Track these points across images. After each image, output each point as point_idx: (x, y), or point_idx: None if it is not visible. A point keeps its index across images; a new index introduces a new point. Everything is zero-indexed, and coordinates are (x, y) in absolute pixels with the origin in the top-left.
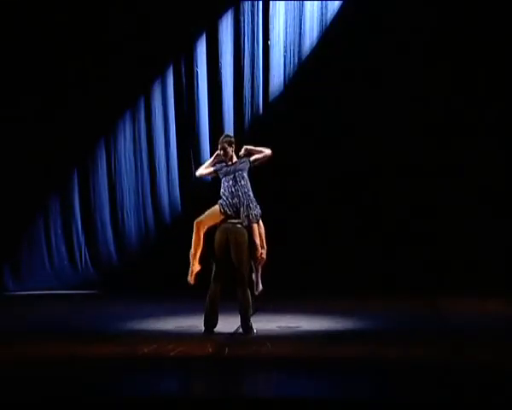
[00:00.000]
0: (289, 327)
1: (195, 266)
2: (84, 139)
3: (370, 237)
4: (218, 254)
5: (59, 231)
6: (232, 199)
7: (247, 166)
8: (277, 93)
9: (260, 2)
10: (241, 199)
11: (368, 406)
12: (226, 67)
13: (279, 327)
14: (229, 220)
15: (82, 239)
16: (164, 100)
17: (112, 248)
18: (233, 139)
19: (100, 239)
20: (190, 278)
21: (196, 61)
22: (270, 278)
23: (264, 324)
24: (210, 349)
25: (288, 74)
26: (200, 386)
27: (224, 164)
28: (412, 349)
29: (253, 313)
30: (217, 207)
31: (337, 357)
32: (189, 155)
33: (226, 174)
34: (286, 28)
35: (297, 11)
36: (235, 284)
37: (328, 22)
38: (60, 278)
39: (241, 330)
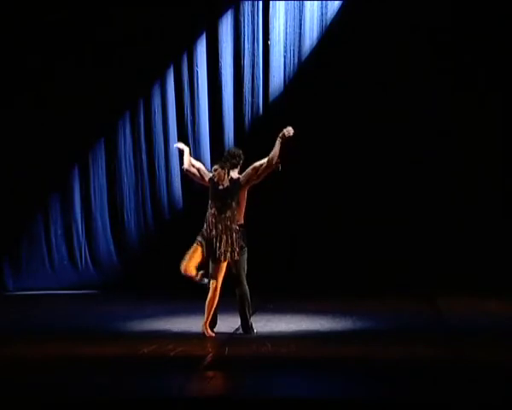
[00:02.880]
0: (289, 327)
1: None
2: (84, 139)
3: (370, 236)
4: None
5: (59, 231)
6: (210, 232)
7: (237, 190)
8: (277, 93)
9: (260, 3)
10: (220, 233)
11: (368, 406)
12: (226, 68)
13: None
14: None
15: (82, 239)
16: (164, 100)
17: (112, 247)
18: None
19: (100, 239)
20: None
21: (196, 61)
22: (271, 278)
23: (263, 324)
24: (210, 349)
25: (288, 74)
26: (200, 386)
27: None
28: (412, 349)
29: (253, 313)
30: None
31: (337, 357)
32: (189, 154)
33: (213, 198)
34: (286, 28)
35: (297, 11)
36: (233, 284)
37: (329, 22)
38: (60, 277)
39: (241, 330)
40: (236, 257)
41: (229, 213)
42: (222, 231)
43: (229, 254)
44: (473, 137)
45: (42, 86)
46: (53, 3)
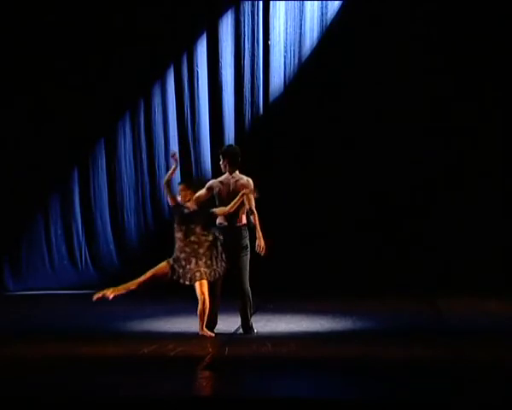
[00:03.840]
0: (289, 327)
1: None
2: (84, 139)
3: (371, 237)
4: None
5: (59, 231)
6: (180, 254)
7: (205, 216)
8: (278, 93)
9: (260, 3)
10: (188, 256)
11: (368, 406)
12: (226, 68)
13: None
14: (227, 224)
15: (82, 239)
16: (164, 100)
17: (112, 247)
18: (196, 182)
19: (100, 239)
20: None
21: (196, 61)
22: (271, 278)
23: (264, 324)
24: (210, 349)
25: (289, 74)
26: (200, 386)
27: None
28: (412, 349)
29: (253, 313)
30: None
31: (337, 357)
32: (190, 155)
33: (178, 222)
34: (286, 28)
35: (297, 11)
36: (234, 284)
37: (329, 22)
38: (60, 277)
39: (241, 330)
40: (216, 276)
41: (193, 238)
42: (190, 253)
43: (206, 274)
44: (473, 136)
45: (42, 86)
46: (53, 3)
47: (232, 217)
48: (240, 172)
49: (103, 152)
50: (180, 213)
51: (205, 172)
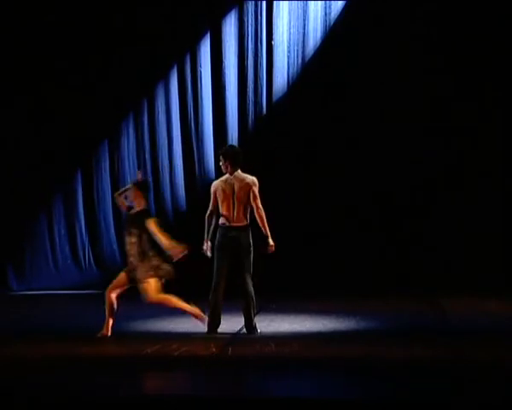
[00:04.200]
0: (293, 327)
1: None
2: (87, 139)
3: (373, 237)
4: (222, 256)
5: (63, 232)
6: (128, 257)
7: (141, 222)
8: (281, 93)
9: (264, 3)
10: (131, 257)
11: (370, 406)
12: (230, 68)
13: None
14: (231, 224)
15: (86, 239)
16: (167, 100)
17: (115, 247)
18: (140, 183)
19: (103, 239)
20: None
21: (200, 61)
22: (274, 278)
23: (267, 324)
24: (214, 349)
25: (292, 74)
26: (204, 386)
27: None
28: (414, 349)
29: (257, 313)
30: None
31: (340, 357)
32: (193, 155)
33: (123, 224)
34: (289, 28)
35: (301, 11)
36: (238, 284)
37: (332, 22)
38: (63, 277)
39: (244, 330)
40: (152, 275)
41: (134, 239)
42: (133, 255)
43: (143, 275)
44: (473, 136)
45: (45, 87)
46: (53, 3)
47: (235, 217)
48: (242, 172)
49: (107, 152)
50: (125, 214)
51: (208, 172)
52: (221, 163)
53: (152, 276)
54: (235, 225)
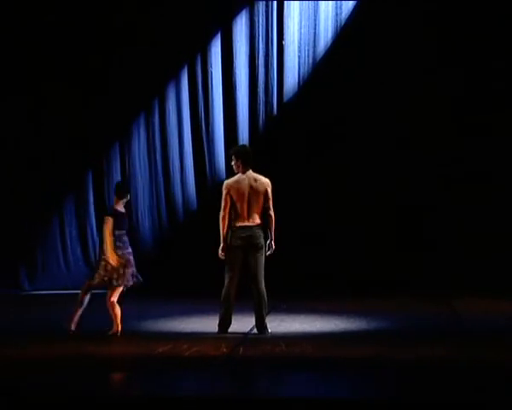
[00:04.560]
0: (303, 327)
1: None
2: (98, 140)
3: (385, 237)
4: (235, 256)
5: (74, 233)
6: None
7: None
8: (292, 93)
9: (275, 3)
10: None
11: (383, 406)
12: (240, 68)
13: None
14: (245, 224)
15: (97, 240)
16: (178, 101)
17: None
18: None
19: None
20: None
21: (211, 61)
22: (284, 277)
23: (277, 324)
24: (224, 349)
25: (303, 75)
26: (215, 386)
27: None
28: (427, 350)
29: (268, 313)
30: None
31: (352, 357)
32: (204, 155)
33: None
34: (300, 28)
35: (311, 11)
36: (249, 284)
37: (343, 22)
38: (75, 277)
39: (255, 330)
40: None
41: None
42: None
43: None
44: (489, 135)
45: (55, 87)
46: (72, 4)
47: (248, 216)
48: (253, 172)
49: (118, 153)
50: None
51: (219, 172)
52: (232, 163)
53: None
54: (248, 224)
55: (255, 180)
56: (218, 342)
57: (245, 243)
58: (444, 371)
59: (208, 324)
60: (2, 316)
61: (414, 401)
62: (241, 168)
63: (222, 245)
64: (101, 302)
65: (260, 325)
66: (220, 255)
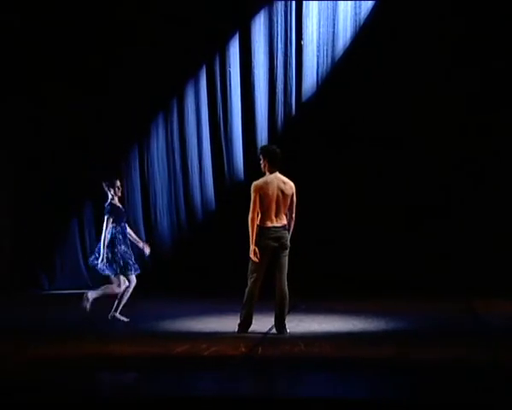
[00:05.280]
0: (322, 327)
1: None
2: (117, 140)
3: (402, 237)
4: (263, 257)
5: (93, 233)
6: None
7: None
8: (310, 93)
9: (293, 2)
10: None
11: (401, 407)
12: (259, 68)
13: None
14: (273, 225)
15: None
16: (197, 100)
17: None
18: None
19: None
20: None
21: (229, 61)
22: (303, 278)
23: (296, 324)
24: (243, 349)
25: (321, 74)
26: (233, 386)
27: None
28: (446, 350)
29: (288, 313)
30: None
31: (370, 358)
32: (222, 155)
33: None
34: (319, 28)
35: (330, 11)
36: (270, 284)
37: (362, 22)
38: (93, 277)
39: (274, 329)
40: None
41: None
42: None
43: None
44: (504, 135)
45: (73, 89)
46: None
47: (277, 217)
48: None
49: (136, 152)
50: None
51: (237, 172)
52: (261, 162)
53: None
54: (277, 225)
55: (283, 183)
56: (237, 342)
57: (274, 244)
58: (462, 371)
59: (227, 323)
60: (20, 315)
61: (432, 402)
62: (267, 168)
63: (252, 247)
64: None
65: (280, 325)
66: (252, 257)
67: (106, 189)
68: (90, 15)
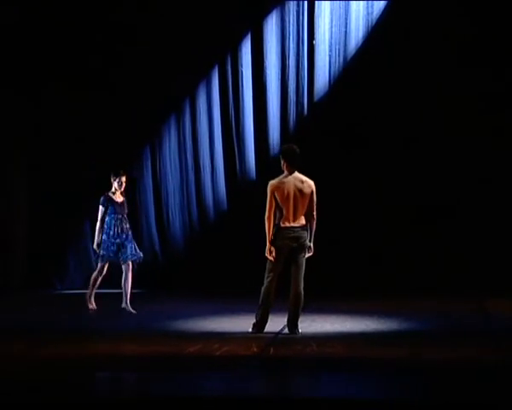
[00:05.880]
0: (334, 327)
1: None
2: (128, 139)
3: (416, 237)
4: (280, 256)
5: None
6: None
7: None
8: (323, 93)
9: (305, 2)
10: None
11: (414, 407)
12: (271, 67)
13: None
14: (291, 225)
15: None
16: (209, 100)
17: (157, 247)
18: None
19: (145, 239)
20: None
21: (241, 61)
22: (316, 277)
23: (308, 324)
24: (255, 349)
25: (334, 74)
26: (245, 386)
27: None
28: (459, 351)
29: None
30: None
31: (382, 358)
32: (234, 155)
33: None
34: (331, 28)
35: (342, 11)
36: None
37: (374, 22)
38: (105, 277)
39: (286, 329)
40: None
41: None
42: None
43: None
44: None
45: (88, 91)
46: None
47: (294, 217)
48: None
49: (148, 152)
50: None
51: (249, 172)
52: (281, 162)
53: None
54: (294, 225)
55: (301, 182)
56: (249, 342)
57: (291, 244)
58: (475, 372)
59: (239, 323)
60: (33, 315)
61: (444, 402)
62: (286, 168)
63: (268, 246)
64: (140, 301)
65: (293, 324)
66: (267, 256)
67: (112, 180)
68: (99, 17)
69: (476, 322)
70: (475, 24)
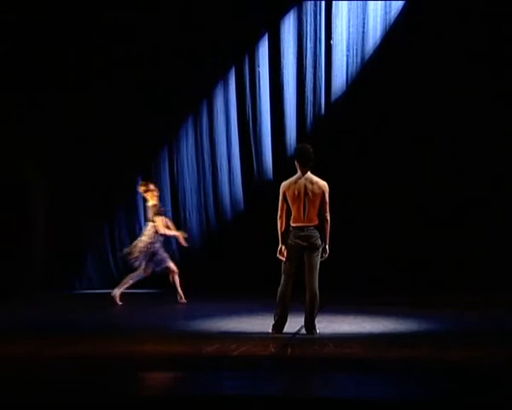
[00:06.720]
0: (352, 328)
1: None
2: (147, 141)
3: (436, 238)
4: (291, 256)
5: (123, 234)
6: None
7: None
8: (340, 93)
9: (323, 2)
10: None
11: (432, 407)
12: (288, 67)
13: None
14: (301, 224)
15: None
16: (226, 100)
17: (174, 247)
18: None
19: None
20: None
21: (258, 61)
22: (334, 278)
23: (326, 324)
24: (273, 349)
25: (351, 74)
26: (262, 385)
27: None
28: (478, 351)
29: (318, 313)
30: None
31: (400, 359)
32: (251, 155)
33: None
34: (349, 28)
35: (360, 11)
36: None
37: (392, 21)
38: (123, 278)
39: (303, 330)
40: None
41: None
42: None
43: None
44: None
45: (104, 93)
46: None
47: (306, 217)
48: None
49: (166, 153)
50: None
51: (266, 172)
52: (295, 162)
53: None
54: (304, 224)
55: (312, 183)
56: (266, 342)
57: (302, 243)
58: (494, 372)
59: (257, 323)
60: (52, 315)
61: (463, 403)
62: (299, 168)
63: (280, 245)
64: (156, 301)
65: (310, 324)
66: (279, 255)
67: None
68: (115, 16)
69: (497, 323)
70: (493, 22)
